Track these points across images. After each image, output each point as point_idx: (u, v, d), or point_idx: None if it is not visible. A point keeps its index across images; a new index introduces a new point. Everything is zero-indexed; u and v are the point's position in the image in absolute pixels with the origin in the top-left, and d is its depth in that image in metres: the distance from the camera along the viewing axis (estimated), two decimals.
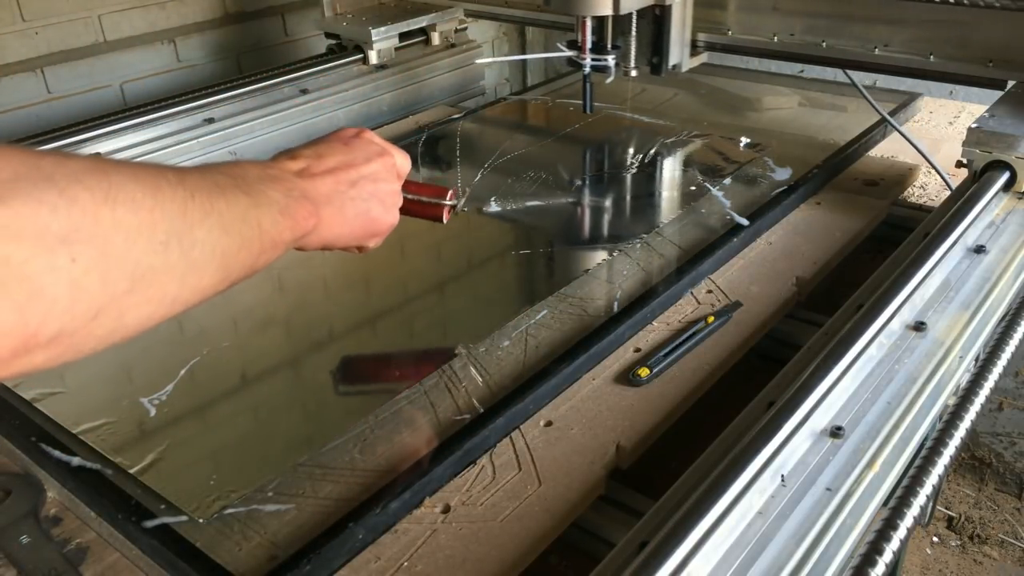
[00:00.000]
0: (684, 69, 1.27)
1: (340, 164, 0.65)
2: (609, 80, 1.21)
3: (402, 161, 0.74)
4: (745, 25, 1.28)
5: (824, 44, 1.22)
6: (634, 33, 1.20)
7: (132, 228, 0.42)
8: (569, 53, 1.18)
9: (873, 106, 1.25)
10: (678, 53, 1.24)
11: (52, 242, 0.38)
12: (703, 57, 1.32)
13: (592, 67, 1.17)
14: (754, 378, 0.75)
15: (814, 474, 0.60)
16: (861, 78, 1.33)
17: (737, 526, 0.55)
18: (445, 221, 0.86)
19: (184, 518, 0.63)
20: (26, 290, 0.38)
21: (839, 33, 1.20)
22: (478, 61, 1.52)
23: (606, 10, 1.10)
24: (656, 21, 1.20)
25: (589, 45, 1.15)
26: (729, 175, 1.15)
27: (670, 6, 1.17)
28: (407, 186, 0.81)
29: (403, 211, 0.78)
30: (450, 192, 0.87)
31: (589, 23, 1.14)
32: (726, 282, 0.93)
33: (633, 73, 1.23)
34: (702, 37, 1.30)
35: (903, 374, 0.69)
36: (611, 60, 1.17)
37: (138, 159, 1.17)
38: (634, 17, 1.18)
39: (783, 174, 1.13)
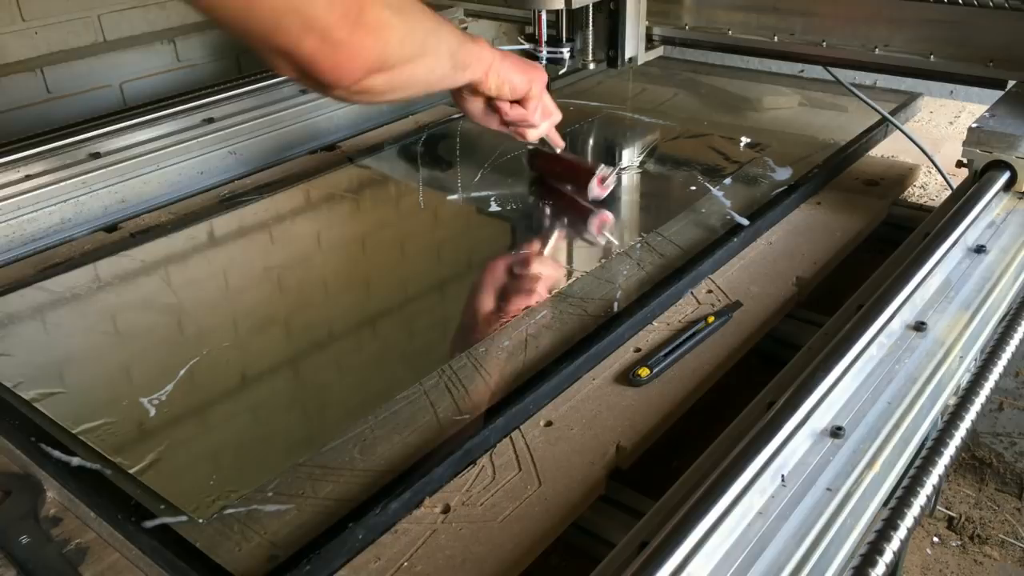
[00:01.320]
0: (640, 62, 1.33)
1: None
2: (562, 71, 1.31)
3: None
4: (703, 19, 1.32)
5: (824, 44, 1.22)
6: (590, 27, 1.25)
7: (431, 27, 0.75)
8: (526, 46, 1.23)
9: (871, 105, 1.24)
10: (633, 46, 1.30)
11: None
12: (659, 51, 1.37)
13: (548, 59, 1.23)
14: (754, 378, 0.75)
15: (814, 474, 0.60)
16: (862, 78, 1.33)
17: (737, 526, 0.55)
18: (591, 194, 1.06)
19: (184, 518, 0.63)
20: (386, 34, 0.66)
21: (810, 30, 1.24)
22: None
23: (558, 4, 1.15)
24: (611, 15, 1.26)
25: (545, 38, 1.21)
26: (729, 175, 1.15)
27: (624, 0, 1.22)
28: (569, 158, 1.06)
29: (554, 172, 1.05)
30: (600, 167, 1.06)
31: (544, 16, 1.20)
32: (726, 282, 0.93)
33: (591, 66, 1.30)
34: (657, 31, 1.34)
35: (903, 374, 0.69)
36: (566, 52, 1.24)
37: (134, 160, 1.17)
38: (590, 11, 1.23)
39: (783, 174, 1.13)
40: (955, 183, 1.03)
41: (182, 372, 0.78)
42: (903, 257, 0.81)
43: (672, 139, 1.32)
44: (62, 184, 1.10)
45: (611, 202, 1.15)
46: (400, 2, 0.69)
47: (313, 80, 0.62)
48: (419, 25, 0.72)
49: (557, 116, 1.02)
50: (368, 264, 1.08)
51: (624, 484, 0.70)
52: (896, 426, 0.64)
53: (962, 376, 0.71)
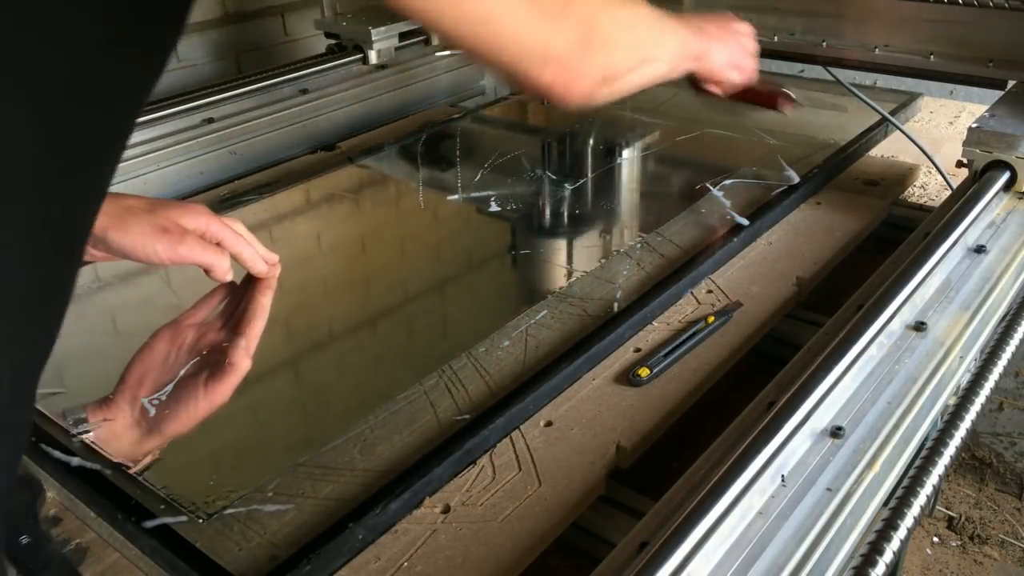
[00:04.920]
0: None
1: (717, 27, 0.94)
2: None
3: (750, 29, 1.01)
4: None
5: (824, 44, 1.22)
6: None
7: (654, 35, 0.79)
8: None
9: (871, 105, 1.24)
10: None
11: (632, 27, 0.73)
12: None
13: None
14: (754, 378, 0.75)
15: (814, 474, 0.60)
16: (862, 78, 1.33)
17: (737, 526, 0.55)
18: (784, 111, 1.04)
19: (184, 518, 0.63)
20: (613, 51, 0.69)
21: (810, 30, 1.24)
22: (437, 53, 1.52)
23: None
24: None
25: None
26: (731, 175, 1.15)
27: None
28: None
29: (745, 98, 1.01)
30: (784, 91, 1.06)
31: None
32: (726, 282, 0.93)
33: None
34: None
35: (903, 374, 0.69)
36: None
37: (134, 160, 1.17)
38: None
39: (790, 174, 1.13)
40: (955, 183, 1.03)
41: (182, 372, 0.78)
42: (903, 257, 0.81)
43: (672, 139, 1.32)
44: None
45: (611, 201, 1.15)
46: (626, 16, 0.73)
47: (544, 96, 0.66)
48: (643, 35, 0.77)
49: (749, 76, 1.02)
50: (368, 264, 1.08)
51: (624, 484, 0.70)
52: (896, 426, 0.64)
53: (962, 376, 0.71)
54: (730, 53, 0.96)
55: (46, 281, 0.46)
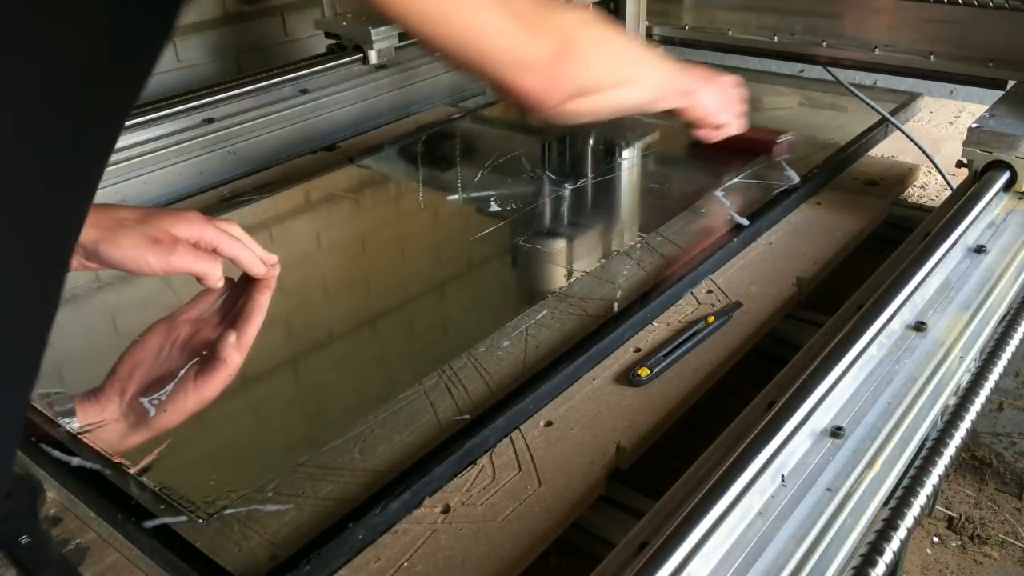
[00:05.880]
0: None
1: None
2: None
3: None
4: (703, 19, 1.31)
5: (824, 44, 1.22)
6: None
7: (636, 58, 0.83)
8: None
9: (871, 105, 1.25)
10: None
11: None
12: (659, 51, 1.35)
13: None
14: (754, 378, 0.75)
15: (814, 474, 0.60)
16: (862, 78, 1.33)
17: (737, 526, 0.55)
18: (778, 158, 1.10)
19: (184, 518, 0.63)
20: (589, 64, 0.72)
21: (810, 30, 1.24)
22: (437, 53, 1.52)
23: None
24: (611, 15, 1.28)
25: None
26: (734, 176, 1.15)
27: (624, 0, 1.22)
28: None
29: (734, 144, 1.06)
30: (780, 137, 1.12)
31: None
32: (726, 282, 0.93)
33: None
34: (657, 31, 1.33)
35: (903, 374, 0.69)
36: None
37: (134, 160, 1.17)
38: None
39: (790, 174, 1.13)
40: (955, 183, 1.03)
41: (182, 372, 0.78)
42: (903, 257, 0.81)
43: (672, 139, 1.32)
44: None
45: (611, 201, 1.15)
46: (606, 33, 0.75)
47: (521, 102, 0.69)
48: (621, 56, 0.79)
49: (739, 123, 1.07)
50: (368, 264, 1.08)
51: (624, 484, 0.70)
52: (896, 426, 0.64)
53: (962, 376, 0.71)
54: (720, 97, 1.00)
55: (30, 293, 0.46)
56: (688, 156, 1.24)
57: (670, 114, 0.97)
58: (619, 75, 0.78)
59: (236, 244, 0.84)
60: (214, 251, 0.82)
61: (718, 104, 1.00)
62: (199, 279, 0.81)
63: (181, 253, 0.78)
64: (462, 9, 0.61)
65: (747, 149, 1.12)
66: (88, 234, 0.75)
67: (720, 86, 1.01)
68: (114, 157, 1.16)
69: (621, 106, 0.82)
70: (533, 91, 0.67)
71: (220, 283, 0.83)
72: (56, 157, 0.43)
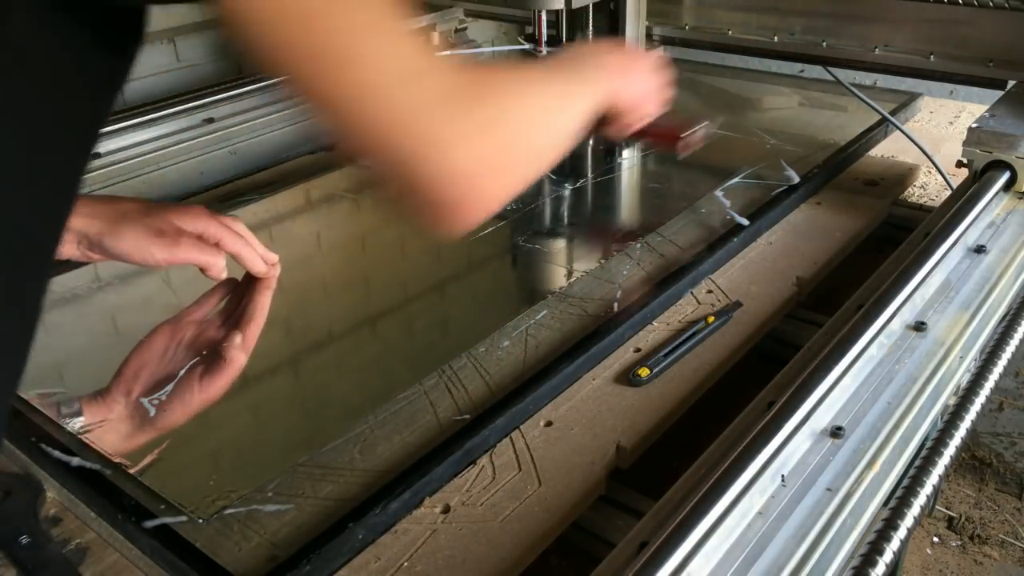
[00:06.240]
0: None
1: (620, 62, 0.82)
2: None
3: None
4: (703, 19, 1.32)
5: (824, 44, 1.22)
6: (590, 27, 1.24)
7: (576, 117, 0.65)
8: (526, 46, 1.22)
9: (870, 105, 1.25)
10: (633, 47, 1.28)
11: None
12: (659, 51, 1.37)
13: None
14: (754, 378, 0.75)
15: (814, 474, 0.60)
16: (862, 78, 1.33)
17: (737, 526, 0.55)
18: (680, 154, 0.94)
19: (184, 518, 0.63)
20: (534, 160, 0.58)
21: (810, 30, 1.24)
22: (437, 53, 1.52)
23: (558, 4, 1.15)
24: (611, 15, 1.26)
25: (545, 38, 1.20)
26: (733, 176, 1.15)
27: (624, 0, 1.21)
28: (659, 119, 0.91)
29: (642, 134, 0.90)
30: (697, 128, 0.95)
31: (544, 16, 1.19)
32: (726, 282, 0.93)
33: None
34: (657, 31, 1.33)
35: (903, 374, 0.69)
36: None
37: (134, 160, 1.17)
38: (590, 11, 1.23)
39: (790, 174, 1.13)
40: (955, 183, 1.03)
41: (182, 372, 0.78)
42: (903, 257, 0.81)
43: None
44: None
45: (611, 201, 1.15)
46: (537, 100, 0.60)
47: (419, 213, 0.52)
48: (557, 113, 0.63)
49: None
50: (368, 264, 1.08)
51: (624, 484, 0.70)
52: (896, 426, 0.64)
53: (962, 376, 0.71)
54: (641, 87, 0.84)
55: (9, 296, 0.45)
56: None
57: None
58: (551, 141, 0.61)
59: (239, 240, 0.83)
60: (217, 245, 0.82)
61: (639, 96, 0.86)
62: (203, 270, 0.81)
63: (185, 244, 0.78)
64: (368, 78, 0.47)
65: (653, 140, 1.01)
66: (92, 225, 0.75)
67: (641, 75, 0.87)
68: (114, 157, 1.16)
69: (551, 163, 0.63)
70: (452, 207, 0.51)
71: (223, 275, 0.82)
72: (31, 163, 0.43)
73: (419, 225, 0.51)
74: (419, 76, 0.49)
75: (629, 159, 1.28)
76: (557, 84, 0.67)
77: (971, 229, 0.87)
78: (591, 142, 1.33)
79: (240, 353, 0.77)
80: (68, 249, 0.76)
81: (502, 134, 0.53)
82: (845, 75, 1.27)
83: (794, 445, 0.60)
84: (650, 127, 0.93)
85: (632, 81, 0.83)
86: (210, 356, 0.78)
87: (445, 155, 0.49)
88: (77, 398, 0.74)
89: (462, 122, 0.50)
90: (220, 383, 0.75)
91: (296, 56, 0.45)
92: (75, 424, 0.72)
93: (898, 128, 1.22)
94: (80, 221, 0.75)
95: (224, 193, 1.19)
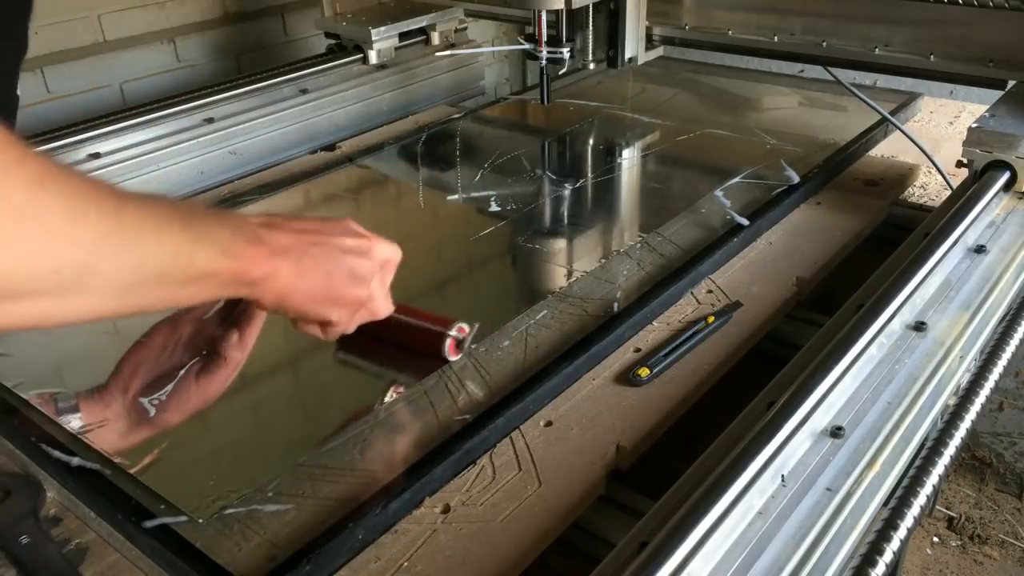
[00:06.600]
0: (640, 62, 1.33)
1: (310, 228, 0.64)
2: (562, 71, 1.29)
3: (386, 249, 0.69)
4: (703, 19, 1.32)
5: (824, 44, 1.22)
6: (590, 27, 1.25)
7: (32, 248, 0.44)
8: (527, 46, 1.22)
9: (870, 105, 1.25)
10: (633, 46, 1.30)
11: None
12: (659, 51, 1.37)
13: (548, 59, 1.22)
14: (754, 378, 0.75)
15: (814, 474, 0.60)
16: (862, 78, 1.33)
17: (737, 526, 0.55)
18: (451, 357, 0.79)
19: (184, 518, 0.63)
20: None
21: (810, 30, 1.24)
22: (437, 54, 1.52)
23: (558, 4, 1.15)
24: (611, 15, 1.25)
25: (545, 38, 1.21)
26: (734, 176, 1.15)
27: (624, 0, 1.22)
28: (411, 312, 0.78)
29: (399, 337, 0.78)
30: (457, 326, 0.79)
31: (544, 16, 1.19)
32: (726, 282, 0.93)
33: (591, 66, 1.28)
34: (657, 31, 1.33)
35: (903, 374, 0.69)
36: (566, 52, 1.22)
37: (134, 160, 1.17)
38: (590, 11, 1.23)
39: (790, 174, 1.13)
40: (955, 183, 1.03)
41: (182, 372, 0.78)
42: (903, 257, 0.81)
43: (672, 139, 1.32)
44: None
45: (612, 201, 1.15)
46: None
47: None
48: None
49: (390, 255, 0.72)
50: None
51: (624, 484, 0.70)
52: (896, 426, 0.64)
53: (962, 376, 0.71)
54: (325, 275, 0.63)
55: None
56: (687, 153, 1.24)
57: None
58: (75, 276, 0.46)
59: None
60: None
61: (322, 290, 0.64)
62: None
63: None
64: None
65: (412, 345, 0.81)
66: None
67: (331, 252, 0.64)
68: (114, 157, 1.16)
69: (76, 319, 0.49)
70: None
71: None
72: None
73: None
74: None
75: (629, 159, 1.28)
76: (130, 209, 0.49)
77: (971, 229, 0.87)
78: (591, 144, 1.34)
79: (237, 351, 0.77)
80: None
81: None
82: (845, 75, 1.27)
83: (794, 445, 0.60)
84: (406, 325, 0.78)
85: (308, 267, 0.61)
86: (207, 355, 0.78)
87: None
88: (75, 394, 0.74)
89: None
90: (217, 382, 0.75)
91: None
92: (72, 421, 0.72)
93: (898, 128, 1.22)
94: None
95: (224, 193, 1.19)
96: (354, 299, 0.66)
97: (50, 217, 0.44)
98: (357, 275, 0.65)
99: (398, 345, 0.80)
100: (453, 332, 0.79)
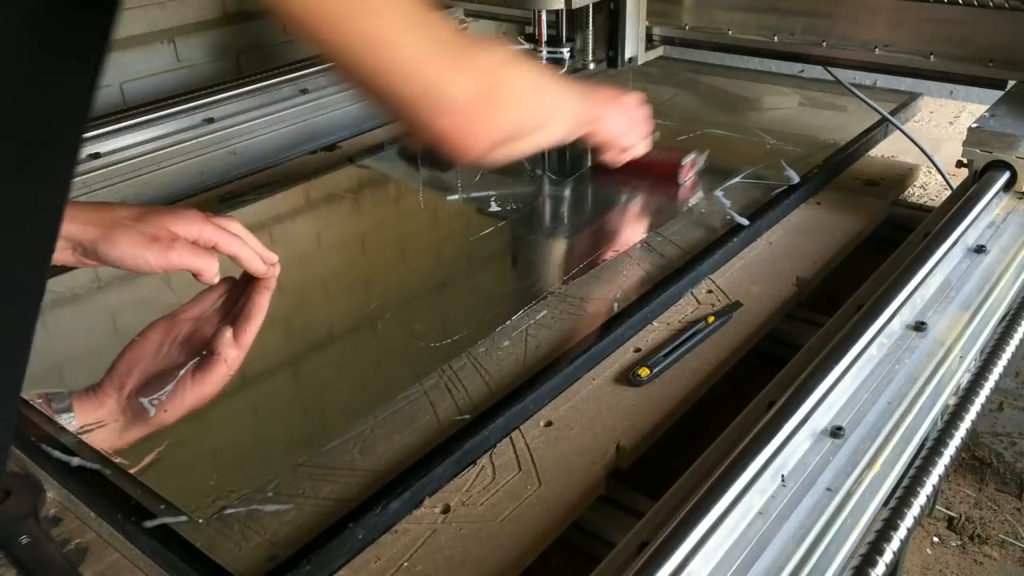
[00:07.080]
0: (640, 62, 1.33)
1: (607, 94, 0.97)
2: (562, 71, 1.29)
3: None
4: (703, 19, 1.32)
5: (824, 44, 1.22)
6: (590, 27, 1.25)
7: (557, 95, 0.79)
8: (527, 46, 1.22)
9: (870, 105, 1.24)
10: (633, 46, 1.31)
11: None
12: (659, 51, 1.37)
13: (548, 59, 1.23)
14: (754, 378, 0.75)
15: (814, 474, 0.60)
16: (862, 78, 1.33)
17: (737, 526, 0.55)
18: (681, 181, 1.10)
19: (184, 518, 0.63)
20: (517, 109, 0.67)
21: (810, 30, 1.24)
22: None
23: (558, 4, 1.15)
24: (611, 15, 1.26)
25: (545, 38, 1.21)
26: (733, 176, 1.15)
27: (624, 0, 1.22)
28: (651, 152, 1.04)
29: (638, 166, 1.04)
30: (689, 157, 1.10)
31: (544, 16, 1.20)
32: (726, 282, 0.93)
33: (591, 66, 1.29)
34: (657, 31, 1.33)
35: (903, 374, 0.69)
36: (566, 52, 1.24)
37: (134, 160, 1.17)
38: (590, 11, 1.23)
39: (790, 174, 1.13)
40: (955, 183, 1.03)
41: (182, 372, 0.78)
42: (903, 257, 0.81)
43: (672, 139, 1.32)
44: None
45: (611, 202, 1.15)
46: (531, 74, 0.70)
47: (435, 145, 0.61)
48: (546, 97, 0.74)
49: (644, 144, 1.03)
50: (368, 264, 1.08)
51: (624, 484, 0.70)
52: (896, 426, 0.64)
53: (962, 376, 0.71)
54: (625, 119, 0.95)
55: (10, 295, 0.45)
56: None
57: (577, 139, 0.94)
58: (540, 117, 0.73)
59: (235, 241, 0.84)
60: (214, 248, 0.82)
61: (623, 127, 0.97)
62: (195, 275, 0.81)
63: (179, 249, 0.78)
64: (380, 30, 0.53)
65: (651, 171, 1.11)
66: (87, 232, 0.76)
67: (625, 108, 0.97)
68: (114, 157, 1.16)
69: (537, 146, 0.75)
70: (455, 137, 0.60)
71: (216, 279, 0.83)
72: (23, 151, 0.43)
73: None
74: (422, 25, 0.56)
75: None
76: (551, 79, 0.75)
77: (971, 229, 0.87)
78: (589, 152, 1.33)
79: (231, 349, 0.77)
80: (62, 255, 0.77)
81: (495, 79, 0.62)
82: (845, 75, 1.27)
83: (794, 445, 0.60)
84: (647, 159, 1.03)
85: (614, 112, 0.92)
86: (205, 354, 0.78)
87: (443, 91, 0.57)
88: (68, 393, 0.74)
89: (458, 62, 0.58)
90: (214, 381, 0.75)
91: (316, 14, 0.51)
92: (67, 419, 0.72)
93: (898, 128, 1.22)
94: (73, 228, 0.75)
95: (224, 193, 1.19)
96: (642, 136, 1.01)
97: (549, 83, 0.75)
98: (638, 120, 1.01)
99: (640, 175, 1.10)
100: (685, 160, 1.11)
